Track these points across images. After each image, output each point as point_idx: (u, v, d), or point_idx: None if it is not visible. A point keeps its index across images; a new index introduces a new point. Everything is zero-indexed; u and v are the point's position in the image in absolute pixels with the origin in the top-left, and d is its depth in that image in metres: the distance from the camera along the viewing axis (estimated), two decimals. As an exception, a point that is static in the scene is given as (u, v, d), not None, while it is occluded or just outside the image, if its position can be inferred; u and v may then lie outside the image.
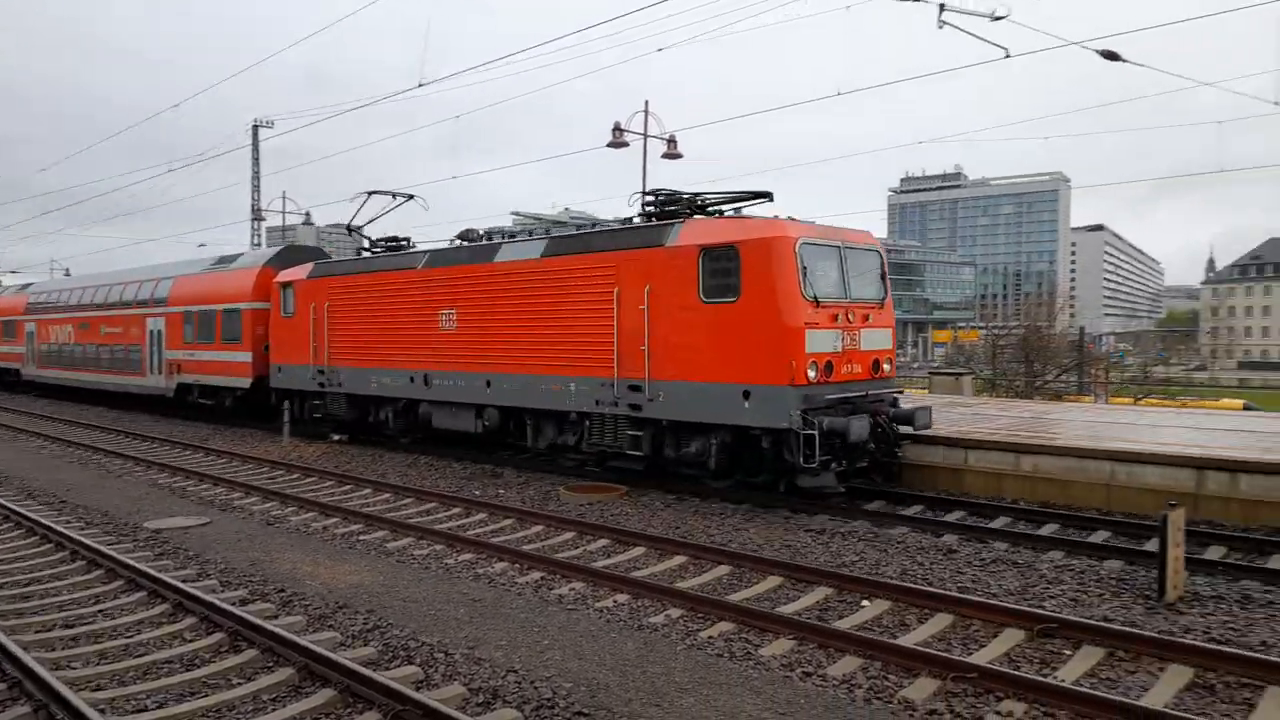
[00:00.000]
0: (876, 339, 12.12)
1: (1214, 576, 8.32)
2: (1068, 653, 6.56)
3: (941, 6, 11.60)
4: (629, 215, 13.63)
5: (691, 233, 11.83)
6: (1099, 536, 9.92)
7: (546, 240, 14.05)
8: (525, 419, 14.36)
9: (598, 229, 14.13)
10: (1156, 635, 6.67)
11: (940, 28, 11.83)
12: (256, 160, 43.74)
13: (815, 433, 10.50)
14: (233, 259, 23.44)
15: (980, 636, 6.95)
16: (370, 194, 18.31)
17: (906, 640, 6.80)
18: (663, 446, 12.46)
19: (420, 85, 20.78)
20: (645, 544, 9.88)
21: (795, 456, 10.71)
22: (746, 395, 11.00)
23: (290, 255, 21.59)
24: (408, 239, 18.07)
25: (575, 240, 13.69)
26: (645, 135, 26.19)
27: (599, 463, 14.00)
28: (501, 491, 13.20)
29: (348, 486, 13.84)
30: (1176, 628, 7.01)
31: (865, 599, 7.89)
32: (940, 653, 6.45)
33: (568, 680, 6.05)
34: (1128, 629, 6.80)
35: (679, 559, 9.31)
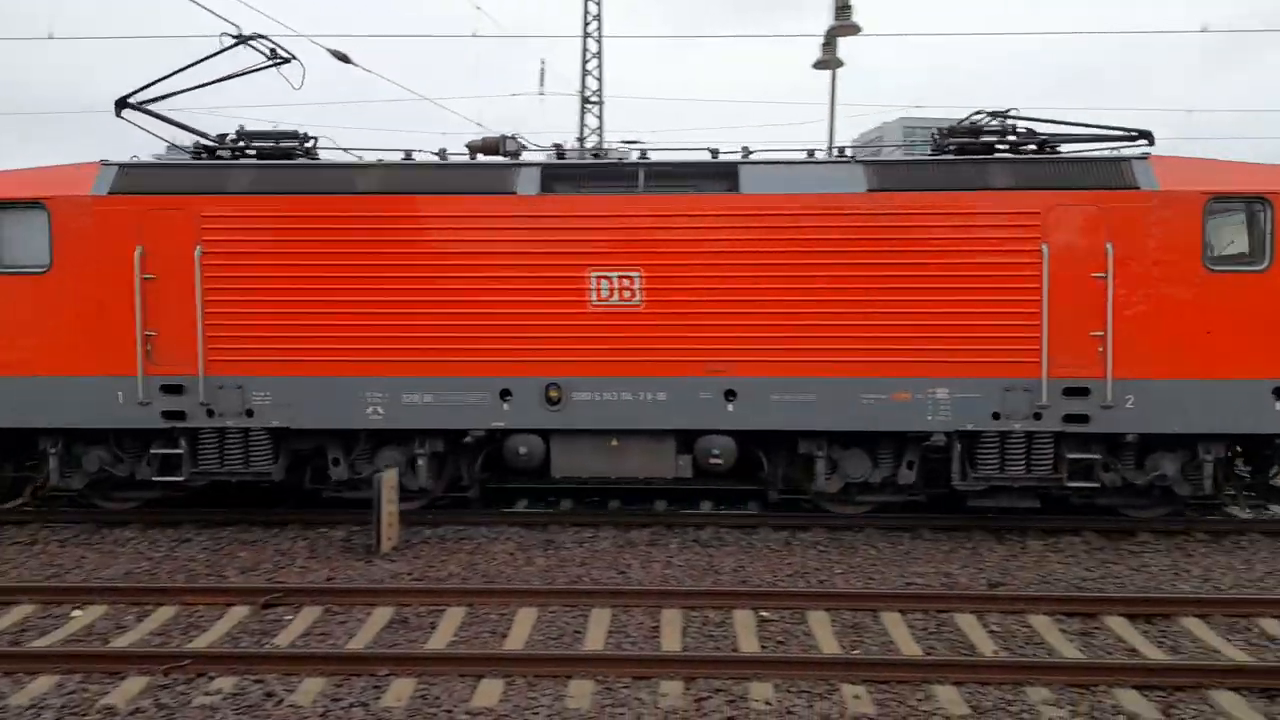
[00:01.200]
0: None
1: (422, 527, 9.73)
2: (290, 618, 6.96)
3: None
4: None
5: (1183, 175, 9.08)
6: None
7: (869, 165, 9.33)
8: (810, 448, 9.48)
9: (994, 155, 9.46)
10: (366, 585, 7.54)
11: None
12: None
13: None
14: None
15: (205, 621, 6.90)
16: (241, 40, 9.68)
17: (119, 643, 6.39)
18: (1101, 470, 9.36)
19: None
20: None
21: None
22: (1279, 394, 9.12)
23: None
24: (314, 139, 9.94)
25: (948, 169, 9.21)
26: None
27: (951, 503, 9.76)
28: None
29: None
30: (387, 575, 8.02)
31: (77, 608, 7.14)
32: (154, 649, 6.22)
33: None
34: (341, 585, 7.54)
35: None
